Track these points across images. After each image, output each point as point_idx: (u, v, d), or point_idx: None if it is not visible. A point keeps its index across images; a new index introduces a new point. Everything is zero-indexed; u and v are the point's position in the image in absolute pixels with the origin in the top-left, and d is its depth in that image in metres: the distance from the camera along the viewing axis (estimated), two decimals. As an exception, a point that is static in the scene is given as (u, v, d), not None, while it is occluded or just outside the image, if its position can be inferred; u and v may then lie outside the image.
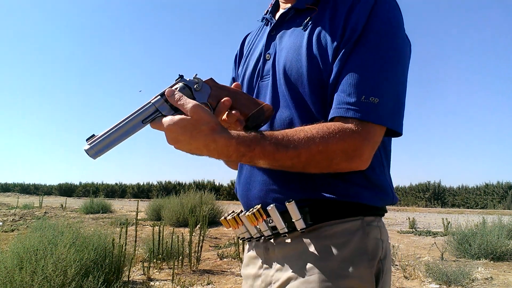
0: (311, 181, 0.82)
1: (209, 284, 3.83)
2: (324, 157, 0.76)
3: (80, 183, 30.40)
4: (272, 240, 0.88)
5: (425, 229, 8.16)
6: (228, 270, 4.38)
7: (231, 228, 0.95)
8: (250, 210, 0.87)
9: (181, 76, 0.84)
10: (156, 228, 4.78)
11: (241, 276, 4.01)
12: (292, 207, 0.79)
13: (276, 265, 0.87)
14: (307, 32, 0.88)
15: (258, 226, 0.87)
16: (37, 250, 2.86)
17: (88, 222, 7.95)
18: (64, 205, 12.46)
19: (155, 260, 4.45)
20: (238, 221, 0.91)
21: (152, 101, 0.78)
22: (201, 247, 4.60)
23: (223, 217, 0.95)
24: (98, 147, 0.75)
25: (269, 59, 0.95)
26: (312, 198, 0.82)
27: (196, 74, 0.83)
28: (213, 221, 8.15)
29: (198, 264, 4.49)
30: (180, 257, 4.43)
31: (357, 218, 0.83)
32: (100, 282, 2.84)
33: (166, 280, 3.93)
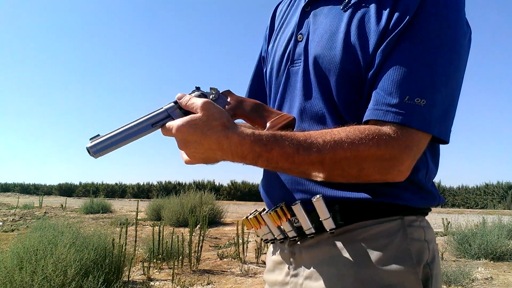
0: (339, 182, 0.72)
1: (209, 284, 3.83)
2: (352, 165, 0.65)
3: (80, 183, 30.42)
4: (298, 243, 0.79)
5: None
6: (228, 270, 4.38)
7: (253, 229, 0.86)
8: (273, 208, 0.78)
9: (197, 88, 0.80)
10: (156, 228, 4.78)
11: (241, 276, 4.05)
12: (319, 204, 0.70)
13: (304, 272, 0.77)
14: (347, 14, 0.75)
15: (281, 226, 0.78)
16: (37, 250, 2.86)
17: (88, 222, 7.94)
18: (64, 205, 12.46)
19: (155, 260, 4.45)
20: (260, 220, 0.82)
21: (164, 107, 0.75)
22: (201, 247, 4.59)
23: (245, 217, 0.87)
24: (101, 145, 0.70)
25: (301, 41, 0.82)
26: (343, 198, 0.72)
27: (198, 86, 0.81)
28: (213, 221, 8.15)
29: (198, 264, 4.49)
30: (180, 257, 4.43)
31: (396, 218, 0.72)
32: (100, 282, 2.84)
33: (166, 280, 3.92)
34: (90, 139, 0.71)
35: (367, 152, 0.64)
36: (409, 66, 0.66)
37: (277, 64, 0.88)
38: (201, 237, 4.68)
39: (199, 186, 20.23)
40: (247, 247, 4.88)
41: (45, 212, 10.33)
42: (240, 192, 22.69)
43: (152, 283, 3.84)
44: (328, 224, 0.71)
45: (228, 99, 0.79)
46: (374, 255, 0.69)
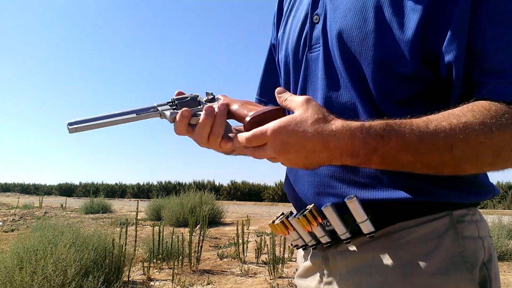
0: (379, 177, 0.63)
1: (209, 284, 3.83)
2: (488, 151, 0.54)
3: (80, 183, 30.42)
4: (332, 248, 0.71)
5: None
6: (228, 270, 4.38)
7: (282, 234, 0.78)
8: (301, 212, 0.69)
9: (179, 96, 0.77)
10: (156, 228, 4.78)
11: (241, 276, 4.05)
12: (354, 205, 0.61)
13: (340, 280, 0.69)
14: None
15: (312, 232, 0.69)
16: (37, 250, 2.86)
17: (88, 222, 7.94)
18: (64, 205, 12.45)
19: (155, 260, 4.44)
20: (287, 225, 0.73)
21: (155, 104, 0.74)
22: (201, 247, 4.59)
23: (271, 221, 0.78)
24: (79, 124, 0.68)
25: (317, 22, 0.72)
26: (379, 200, 0.63)
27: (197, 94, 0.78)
28: (213, 221, 8.14)
29: (198, 264, 4.49)
30: (180, 257, 4.43)
31: (443, 215, 0.63)
32: (100, 282, 2.84)
33: (166, 280, 3.92)
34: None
35: (503, 134, 0.53)
36: (506, 27, 0.56)
37: (292, 51, 0.78)
38: (201, 237, 4.68)
39: (199, 186, 20.22)
40: (247, 247, 4.88)
41: (45, 212, 10.32)
42: (240, 192, 22.67)
43: (152, 283, 3.84)
44: (366, 227, 0.62)
45: (221, 100, 0.75)
46: (423, 260, 0.61)
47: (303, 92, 0.75)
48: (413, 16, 0.60)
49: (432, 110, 0.58)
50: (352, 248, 0.68)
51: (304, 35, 0.75)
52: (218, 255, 5.06)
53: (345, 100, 0.67)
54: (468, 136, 0.53)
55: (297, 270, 0.87)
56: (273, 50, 0.94)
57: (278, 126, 0.56)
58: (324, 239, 0.68)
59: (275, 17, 0.93)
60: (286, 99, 0.63)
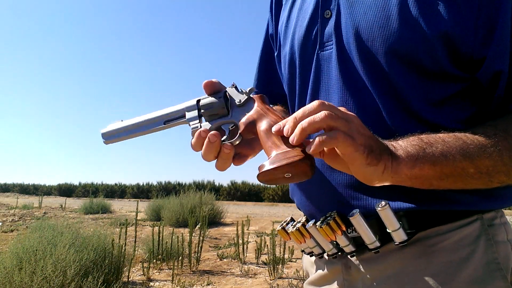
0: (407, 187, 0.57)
1: (209, 284, 3.82)
2: None
3: (80, 183, 30.46)
4: (354, 256, 0.66)
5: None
6: (228, 271, 4.37)
7: (292, 241, 0.73)
8: (323, 219, 0.63)
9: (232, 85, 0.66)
10: (156, 228, 4.77)
11: (241, 277, 4.04)
12: (386, 213, 0.57)
13: None
14: None
15: (334, 240, 0.64)
16: (36, 250, 2.85)
17: (88, 222, 7.93)
18: (63, 206, 12.44)
19: (154, 260, 4.43)
20: (304, 233, 0.68)
21: (184, 105, 0.67)
22: (201, 247, 4.58)
23: (279, 227, 0.72)
24: (110, 134, 0.70)
25: (329, 18, 0.67)
26: (409, 208, 0.60)
27: (234, 83, 0.65)
28: (213, 221, 8.13)
29: (198, 264, 4.48)
30: (180, 258, 4.42)
31: (474, 219, 0.60)
32: (99, 283, 2.83)
33: (165, 281, 3.91)
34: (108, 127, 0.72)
35: None
36: None
37: (299, 48, 0.72)
38: (201, 238, 4.67)
39: (199, 186, 20.20)
40: (247, 247, 4.87)
41: (44, 213, 10.31)
42: (240, 192, 22.67)
43: (151, 283, 3.83)
44: (399, 236, 0.58)
45: (255, 106, 0.61)
46: (458, 269, 0.58)
47: (314, 94, 0.70)
48: (445, 11, 0.56)
49: (467, 114, 0.58)
50: (378, 255, 0.62)
51: (314, 31, 0.69)
52: (218, 255, 5.05)
53: (366, 103, 0.62)
54: None
55: (297, 272, 0.83)
56: (271, 41, 0.88)
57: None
58: (349, 248, 0.63)
59: (273, 4, 0.86)
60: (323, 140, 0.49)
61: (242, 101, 0.62)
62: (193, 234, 4.60)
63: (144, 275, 4.00)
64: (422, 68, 0.59)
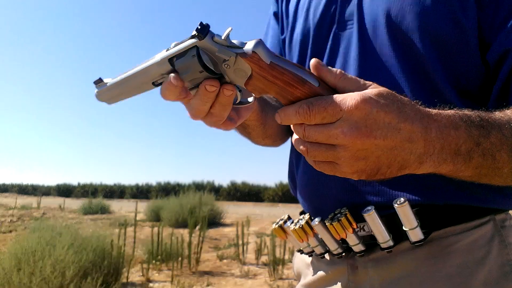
0: (424, 179, 0.56)
1: (208, 285, 3.80)
2: None
3: (79, 183, 30.50)
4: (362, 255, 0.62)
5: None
6: (228, 272, 4.35)
7: (290, 240, 0.68)
8: (332, 216, 0.59)
9: (202, 29, 0.45)
10: (155, 229, 4.75)
11: (241, 278, 4.02)
12: (405, 211, 0.53)
13: None
14: None
15: (343, 239, 0.60)
16: (35, 251, 2.84)
17: (87, 223, 7.91)
18: (62, 206, 12.42)
19: (154, 261, 4.41)
20: (308, 231, 0.63)
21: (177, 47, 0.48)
22: (201, 248, 4.57)
23: (276, 225, 0.68)
24: (106, 94, 0.58)
25: None
26: (425, 202, 0.57)
27: (231, 29, 0.46)
28: (213, 222, 8.12)
29: (198, 265, 4.46)
30: (180, 259, 4.40)
31: (487, 219, 0.59)
32: (98, 284, 2.81)
33: (165, 282, 3.89)
34: (94, 82, 0.59)
35: None
36: None
37: (315, 28, 0.69)
38: (201, 238, 4.65)
39: (199, 187, 20.21)
40: (246, 248, 4.86)
41: (43, 213, 10.28)
42: (240, 193, 22.68)
43: (151, 284, 3.81)
44: (416, 234, 0.54)
45: (252, 70, 0.46)
46: (473, 271, 0.56)
47: None
48: None
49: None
50: (388, 255, 0.59)
51: (332, 10, 0.67)
52: (217, 256, 5.03)
53: (384, 81, 0.55)
54: None
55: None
56: (275, 18, 0.84)
57: (365, 95, 0.40)
58: (358, 248, 0.59)
59: None
60: (346, 76, 0.44)
61: (230, 63, 0.46)
62: (192, 235, 4.59)
63: (144, 276, 3.98)
64: (452, 49, 0.56)
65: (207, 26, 0.46)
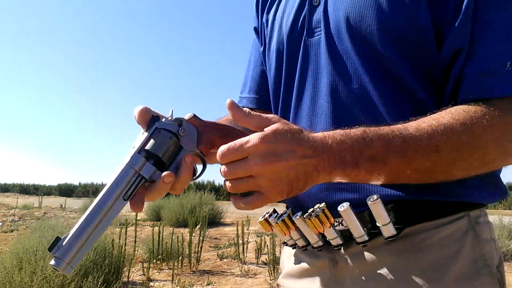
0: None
1: (209, 284, 3.82)
2: (473, 152, 0.54)
3: (80, 183, 30.49)
4: (342, 250, 0.65)
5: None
6: (228, 271, 4.36)
7: (275, 233, 0.71)
8: (311, 211, 0.61)
9: (154, 119, 0.59)
10: (156, 228, 4.76)
11: (241, 277, 4.03)
12: (378, 207, 0.56)
13: (352, 286, 0.64)
14: None
15: (321, 233, 0.63)
16: (36, 250, 2.85)
17: (88, 222, 7.91)
18: (63, 206, 12.44)
19: (154, 260, 4.43)
20: (289, 225, 0.67)
21: (127, 164, 0.56)
22: (201, 247, 4.58)
23: (262, 218, 0.71)
24: (70, 256, 0.52)
25: (317, 5, 0.69)
26: (399, 198, 0.60)
27: (172, 110, 0.61)
28: (213, 221, 8.13)
29: (198, 264, 4.48)
30: (180, 258, 4.42)
31: (461, 215, 0.60)
32: (99, 283, 2.83)
33: (165, 281, 3.91)
34: (49, 249, 0.53)
35: (484, 133, 0.53)
36: (499, 30, 0.56)
37: (287, 36, 0.73)
38: (201, 238, 4.67)
39: (199, 187, 20.19)
40: (247, 247, 4.87)
41: (44, 213, 10.31)
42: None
43: (151, 283, 3.82)
44: (388, 230, 0.57)
45: (198, 129, 0.61)
46: (447, 265, 0.58)
47: (301, 80, 0.70)
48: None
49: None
50: (366, 249, 0.62)
51: (301, 18, 0.71)
52: (218, 255, 5.04)
53: (356, 85, 0.62)
54: (451, 138, 0.53)
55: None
56: (255, 33, 0.89)
57: (264, 133, 0.52)
58: (336, 241, 0.62)
59: (259, 1, 0.87)
60: (251, 115, 0.55)
61: (184, 130, 0.60)
62: (193, 234, 4.60)
63: (144, 275, 4.00)
64: (412, 47, 0.60)
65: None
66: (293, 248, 0.75)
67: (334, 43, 0.65)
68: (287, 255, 0.80)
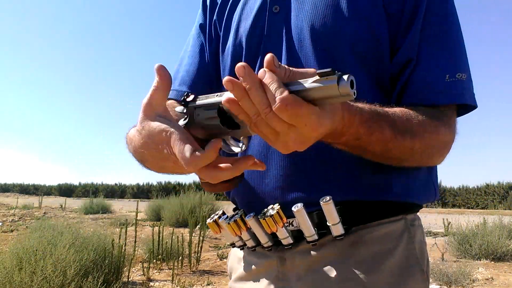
0: (347, 177, 0.65)
1: (209, 284, 3.82)
2: (434, 151, 0.64)
3: (80, 183, 30.54)
4: (290, 248, 0.67)
5: (426, 230, 8.14)
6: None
7: (224, 234, 0.71)
8: (265, 212, 0.63)
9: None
10: (156, 228, 4.76)
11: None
12: (329, 208, 0.59)
13: (298, 280, 0.67)
14: None
15: (273, 233, 0.64)
16: (36, 250, 2.85)
17: (88, 222, 7.92)
18: (63, 206, 12.44)
19: (154, 260, 4.43)
20: (241, 226, 0.67)
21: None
22: (201, 247, 4.58)
23: (210, 220, 0.71)
24: None
25: (277, 12, 0.71)
26: (348, 199, 0.64)
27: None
28: (213, 221, 8.12)
29: (198, 264, 4.48)
30: (180, 258, 4.42)
31: (399, 218, 0.67)
32: (99, 283, 2.83)
33: (165, 281, 3.91)
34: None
35: (436, 135, 0.62)
36: (446, 43, 0.65)
37: (246, 40, 0.73)
38: (201, 238, 4.67)
39: (199, 187, 20.18)
40: (247, 247, 4.87)
41: (44, 213, 10.31)
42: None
43: (151, 283, 3.83)
44: (337, 230, 0.61)
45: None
46: (383, 259, 0.64)
47: None
48: (382, 10, 0.65)
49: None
50: (314, 247, 0.65)
51: (261, 24, 0.72)
52: (218, 255, 5.05)
53: None
54: (424, 138, 0.61)
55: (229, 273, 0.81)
56: (202, 33, 0.85)
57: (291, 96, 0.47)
58: (287, 241, 0.64)
59: None
60: (291, 71, 0.49)
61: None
62: (193, 234, 4.60)
63: (144, 275, 4.00)
64: (369, 57, 0.66)
65: None
66: (241, 249, 0.76)
67: (294, 49, 0.68)
68: (236, 260, 0.81)
